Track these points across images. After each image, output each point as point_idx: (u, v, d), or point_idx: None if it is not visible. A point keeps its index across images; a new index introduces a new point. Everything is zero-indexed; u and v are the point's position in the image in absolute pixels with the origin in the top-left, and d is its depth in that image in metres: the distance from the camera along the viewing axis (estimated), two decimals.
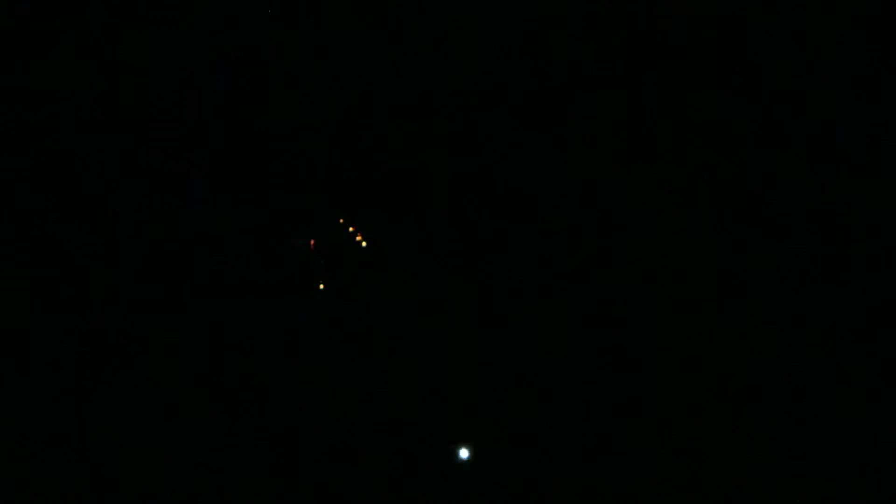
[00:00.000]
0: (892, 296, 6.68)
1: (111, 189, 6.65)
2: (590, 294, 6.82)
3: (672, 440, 6.74)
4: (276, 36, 6.61)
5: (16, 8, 6.55)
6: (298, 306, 6.65)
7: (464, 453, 6.59)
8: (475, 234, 6.87)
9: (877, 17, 6.78)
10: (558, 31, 6.87)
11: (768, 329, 6.78)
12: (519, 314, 6.75)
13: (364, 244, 6.61)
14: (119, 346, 6.51)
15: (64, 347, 6.57)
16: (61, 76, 6.66)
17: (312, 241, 6.60)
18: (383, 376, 6.66)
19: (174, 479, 6.51)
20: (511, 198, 6.92)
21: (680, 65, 6.85)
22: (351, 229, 6.63)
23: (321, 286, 6.59)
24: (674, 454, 6.72)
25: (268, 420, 6.56)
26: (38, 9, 6.58)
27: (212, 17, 6.55)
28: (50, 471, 6.52)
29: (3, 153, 6.64)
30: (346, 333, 6.61)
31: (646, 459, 6.70)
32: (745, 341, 6.83)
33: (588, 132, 6.95)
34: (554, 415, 6.67)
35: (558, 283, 6.84)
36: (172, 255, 6.60)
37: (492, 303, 6.72)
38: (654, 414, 6.76)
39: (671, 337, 6.85)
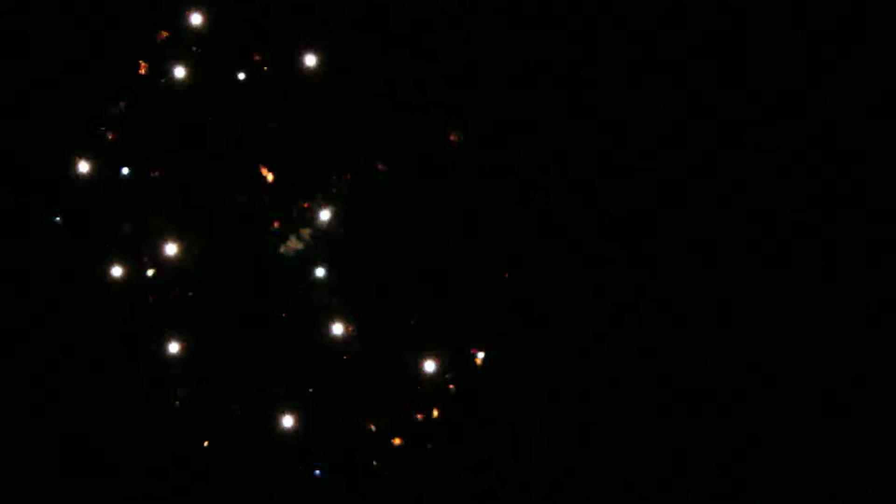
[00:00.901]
0: (892, 296, 6.71)
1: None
2: (594, 295, 6.83)
3: (672, 440, 6.77)
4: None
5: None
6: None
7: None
8: (473, 234, 6.87)
9: (876, 18, 6.80)
10: (559, 32, 6.88)
11: (768, 329, 6.80)
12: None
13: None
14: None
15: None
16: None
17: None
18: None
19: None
20: (509, 197, 6.92)
21: (681, 65, 6.86)
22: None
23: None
24: (674, 454, 6.75)
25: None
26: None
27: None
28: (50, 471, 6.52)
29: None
30: None
31: (647, 459, 6.73)
32: (743, 341, 6.85)
33: (588, 132, 6.96)
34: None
35: (562, 282, 6.85)
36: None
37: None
38: (654, 414, 6.78)
39: (670, 336, 6.86)
